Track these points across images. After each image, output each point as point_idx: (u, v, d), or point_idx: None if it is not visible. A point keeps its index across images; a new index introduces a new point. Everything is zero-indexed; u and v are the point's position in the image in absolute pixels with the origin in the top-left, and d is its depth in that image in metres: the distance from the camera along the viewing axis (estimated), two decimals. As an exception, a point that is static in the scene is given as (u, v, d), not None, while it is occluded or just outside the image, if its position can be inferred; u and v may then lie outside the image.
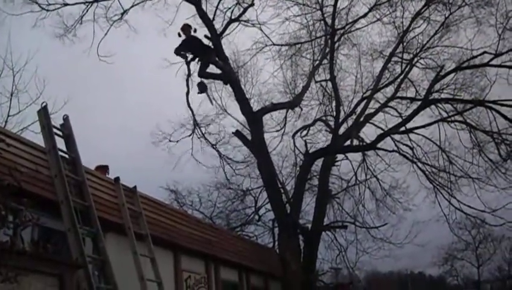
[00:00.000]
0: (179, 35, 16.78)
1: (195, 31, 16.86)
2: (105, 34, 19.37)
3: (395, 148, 21.32)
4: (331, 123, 22.07)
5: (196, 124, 20.38)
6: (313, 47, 21.78)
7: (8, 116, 18.71)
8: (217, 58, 18.26)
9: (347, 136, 20.66)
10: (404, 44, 20.89)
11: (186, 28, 16.64)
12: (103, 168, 11.75)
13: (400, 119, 20.80)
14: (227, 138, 22.08)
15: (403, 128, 20.21)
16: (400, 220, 23.21)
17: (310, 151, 21.46)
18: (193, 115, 20.02)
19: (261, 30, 21.08)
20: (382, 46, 21.89)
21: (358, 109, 21.21)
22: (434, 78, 19.98)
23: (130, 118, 47.58)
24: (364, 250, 23.16)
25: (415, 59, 21.09)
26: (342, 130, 20.99)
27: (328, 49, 20.62)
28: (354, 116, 21.24)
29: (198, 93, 17.87)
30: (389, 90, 21.56)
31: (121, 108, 46.28)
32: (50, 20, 19.14)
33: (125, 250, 9.92)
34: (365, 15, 20.39)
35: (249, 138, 20.06)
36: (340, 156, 22.43)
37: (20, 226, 5.81)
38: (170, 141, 21.31)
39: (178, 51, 17.28)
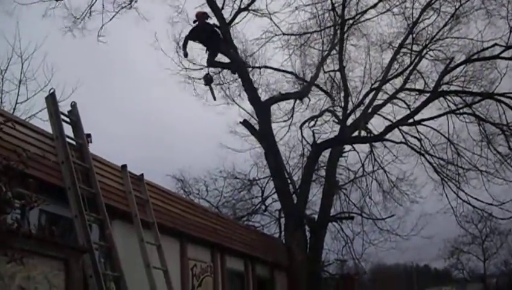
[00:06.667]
0: (194, 22, 16.65)
1: (206, 18, 16.75)
2: (111, 19, 19.33)
3: (403, 140, 21.29)
4: (339, 114, 22.02)
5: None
6: (322, 37, 21.64)
7: (17, 103, 18.80)
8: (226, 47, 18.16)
9: (355, 127, 20.60)
10: (414, 35, 20.74)
11: (201, 15, 16.51)
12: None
13: (408, 111, 20.72)
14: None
15: (411, 120, 20.14)
16: (406, 212, 23.24)
17: (318, 142, 21.40)
18: None
19: (271, 19, 20.94)
20: (391, 37, 21.78)
21: (367, 100, 21.11)
22: (443, 70, 19.85)
23: (137, 106, 47.83)
24: (370, 242, 23.18)
25: (425, 51, 20.95)
26: (349, 121, 20.94)
27: (337, 40, 20.50)
28: (362, 107, 21.15)
29: (205, 84, 17.82)
30: (398, 82, 21.48)
31: (127, 96, 46.30)
32: (60, 10, 19.19)
33: (132, 237, 9.93)
34: (375, 5, 20.24)
35: (257, 127, 20.03)
36: (347, 147, 22.41)
37: (26, 207, 5.81)
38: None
39: (186, 40, 17.13)
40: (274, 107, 21.20)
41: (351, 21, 20.54)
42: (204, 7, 19.29)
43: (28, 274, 6.21)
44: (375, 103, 20.88)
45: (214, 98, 18.41)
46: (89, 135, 11.73)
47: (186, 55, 17.16)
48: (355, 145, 22.50)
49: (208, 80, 17.56)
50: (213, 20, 17.84)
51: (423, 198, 22.76)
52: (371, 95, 21.05)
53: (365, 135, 21.41)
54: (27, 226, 6.34)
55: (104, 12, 19.14)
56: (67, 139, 9.06)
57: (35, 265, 6.33)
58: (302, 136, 23.22)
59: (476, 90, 19.85)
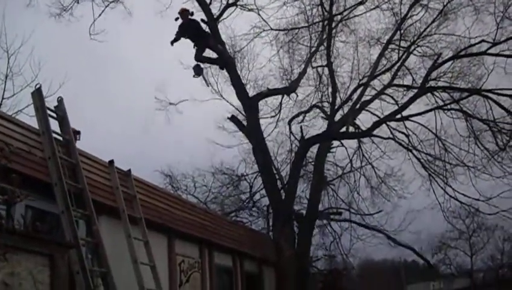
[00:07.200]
0: (176, 19, 16.59)
1: (192, 14, 16.68)
2: (100, 14, 19.27)
3: (391, 136, 21.34)
4: (327, 110, 22.04)
5: None
6: (310, 33, 21.69)
7: (3, 99, 18.64)
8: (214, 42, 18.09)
9: (343, 122, 20.64)
10: (402, 31, 20.82)
11: (183, 12, 16.48)
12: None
13: (396, 107, 20.79)
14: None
15: (398, 116, 20.20)
16: (394, 208, 23.33)
17: (306, 138, 21.41)
18: None
19: (259, 15, 20.96)
20: (379, 33, 21.90)
21: (355, 96, 21.21)
22: (431, 66, 19.91)
23: (123, 103, 47.63)
24: (358, 237, 23.27)
25: (412, 47, 21.06)
26: (337, 116, 20.99)
27: (325, 35, 20.52)
28: (350, 103, 21.21)
29: (194, 76, 17.76)
30: (386, 78, 21.56)
31: (113, 93, 46.08)
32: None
33: (119, 233, 9.87)
34: (364, 1, 20.27)
35: (245, 123, 20.00)
36: (335, 143, 22.45)
37: (9, 202, 5.75)
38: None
39: (177, 38, 17.00)
40: (261, 103, 21.23)
41: (339, 17, 20.58)
42: (192, 2, 19.30)
43: (11, 270, 6.15)
44: (363, 98, 20.98)
45: (207, 84, 18.73)
46: (78, 132, 11.65)
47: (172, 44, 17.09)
48: (343, 141, 22.55)
49: (199, 70, 17.55)
50: (197, 16, 17.74)
51: (411, 194, 22.89)
52: (359, 91, 21.14)
53: (353, 130, 21.45)
54: (10, 221, 6.27)
55: (93, 2, 19.04)
56: (54, 135, 8.99)
57: (19, 261, 6.26)
58: (291, 132, 23.28)
59: (464, 86, 19.94)
